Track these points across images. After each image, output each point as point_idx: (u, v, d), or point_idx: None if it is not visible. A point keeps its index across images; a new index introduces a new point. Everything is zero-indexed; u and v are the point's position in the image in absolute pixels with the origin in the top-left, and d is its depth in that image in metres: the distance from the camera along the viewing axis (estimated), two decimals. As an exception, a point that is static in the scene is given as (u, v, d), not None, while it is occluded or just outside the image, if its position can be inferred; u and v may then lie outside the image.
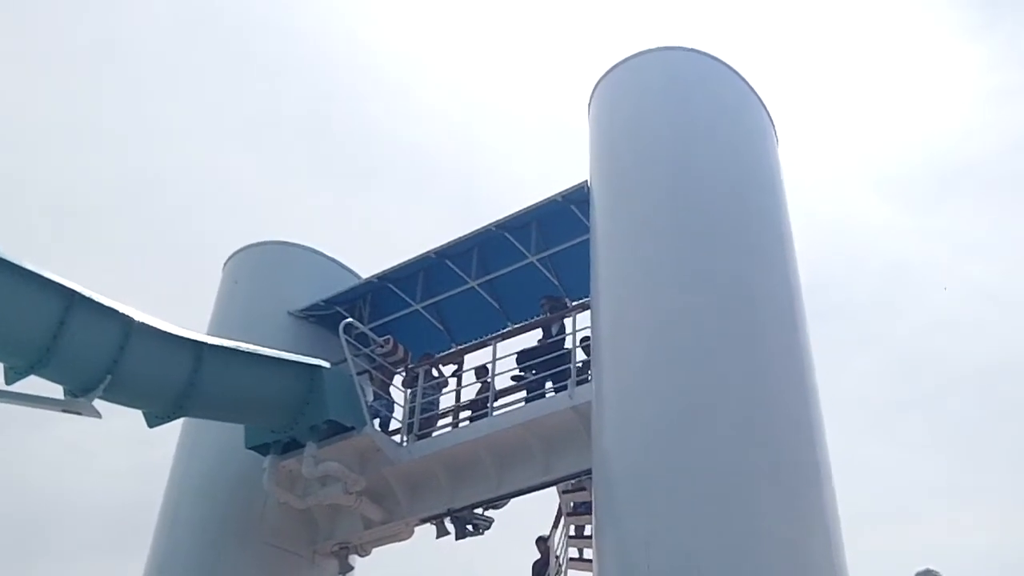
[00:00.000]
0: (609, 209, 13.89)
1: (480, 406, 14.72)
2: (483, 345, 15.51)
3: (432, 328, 16.98)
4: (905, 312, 43.61)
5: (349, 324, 15.07)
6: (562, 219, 15.05)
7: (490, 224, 15.47)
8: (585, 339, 13.67)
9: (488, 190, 45.45)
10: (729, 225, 13.03)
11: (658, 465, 11.01)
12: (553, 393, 14.04)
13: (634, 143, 14.21)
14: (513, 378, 14.86)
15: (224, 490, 14.90)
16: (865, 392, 40.38)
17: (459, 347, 16.56)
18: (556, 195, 14.92)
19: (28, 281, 11.59)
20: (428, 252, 16.05)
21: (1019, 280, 43.10)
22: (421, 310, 16.65)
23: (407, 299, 16.62)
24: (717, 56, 14.97)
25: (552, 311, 15.09)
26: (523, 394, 14.60)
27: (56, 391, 12.29)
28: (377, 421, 15.25)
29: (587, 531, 14.85)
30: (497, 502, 14.69)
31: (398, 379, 15.95)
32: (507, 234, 15.47)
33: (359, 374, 14.92)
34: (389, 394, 15.86)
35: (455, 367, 15.86)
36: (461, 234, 15.87)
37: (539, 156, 47.22)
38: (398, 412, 15.59)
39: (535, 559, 15.45)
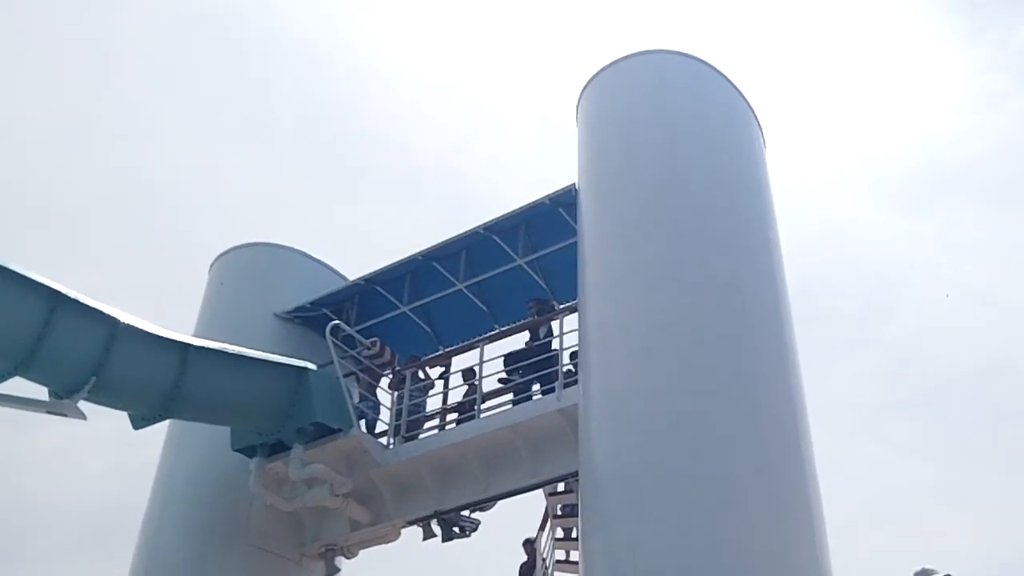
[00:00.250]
0: (597, 212, 13.89)
1: (467, 408, 14.71)
2: (470, 347, 15.50)
3: (419, 330, 16.95)
4: (896, 315, 43.79)
5: (336, 326, 15.04)
6: (550, 222, 15.05)
7: (478, 227, 15.46)
8: (574, 355, 13.67)
9: (476, 193, 45.44)
10: (716, 228, 13.05)
11: (645, 468, 11.01)
12: (540, 396, 14.03)
13: (622, 146, 14.22)
14: (500, 380, 14.87)
15: (210, 492, 14.84)
16: (857, 395, 40.52)
17: (446, 349, 16.56)
18: (544, 198, 14.92)
19: (12, 282, 11.54)
20: (415, 254, 16.03)
21: (1010, 284, 43.34)
22: (408, 312, 16.63)
23: (394, 301, 16.59)
24: (705, 60, 15.00)
25: (539, 314, 15.10)
26: (510, 397, 14.59)
27: (41, 393, 12.23)
28: (364, 423, 15.23)
29: (574, 534, 14.85)
30: (484, 504, 14.69)
31: (385, 381, 15.94)
32: (495, 236, 15.46)
33: (346, 376, 14.89)
34: (376, 396, 15.83)
35: (442, 369, 15.87)
36: (449, 236, 15.85)
37: (528, 159, 47.21)
38: (385, 414, 15.56)
39: (522, 561, 15.45)
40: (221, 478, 14.90)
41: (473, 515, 15.00)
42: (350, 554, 15.57)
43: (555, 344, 14.28)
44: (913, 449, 39.69)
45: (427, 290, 16.45)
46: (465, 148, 47.56)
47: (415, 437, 14.99)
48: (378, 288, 16.57)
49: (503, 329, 16.10)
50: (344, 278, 17.64)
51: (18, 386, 11.96)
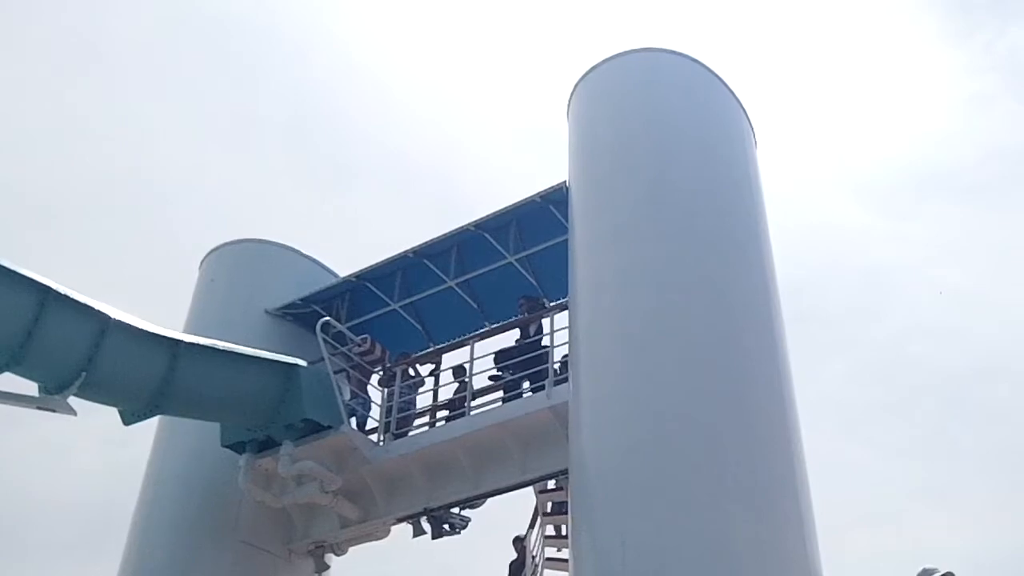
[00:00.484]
0: (587, 210, 13.91)
1: (457, 406, 14.72)
2: (461, 345, 15.51)
3: (410, 327, 16.96)
4: (882, 316, 43.94)
5: (326, 323, 15.03)
6: (541, 219, 15.06)
7: (468, 224, 15.46)
8: (565, 356, 13.70)
9: (465, 192, 45.48)
10: (707, 227, 13.08)
11: (634, 466, 11.04)
12: (530, 393, 14.05)
13: (612, 144, 14.24)
14: (491, 378, 14.86)
15: (199, 489, 14.83)
16: (842, 395, 40.68)
17: (437, 347, 16.55)
18: (535, 195, 14.93)
19: (2, 277, 11.51)
20: (406, 251, 16.03)
21: (996, 285, 43.50)
22: (399, 309, 16.64)
23: (385, 298, 16.60)
24: (696, 58, 15.02)
25: (530, 311, 15.10)
26: (500, 394, 14.60)
27: (31, 388, 12.22)
28: (354, 420, 15.20)
29: (564, 531, 14.87)
30: (474, 502, 14.68)
31: (375, 378, 15.92)
32: (485, 234, 15.47)
33: (336, 373, 14.86)
34: (366, 393, 15.81)
35: (433, 366, 15.87)
36: (439, 234, 15.85)
37: (518, 158, 47.28)
38: (375, 411, 15.55)
39: (512, 559, 15.47)
40: (210, 474, 14.89)
41: (463, 512, 14.99)
42: (340, 551, 15.57)
43: (545, 342, 14.30)
44: (899, 449, 39.91)
45: (418, 287, 16.45)
46: (455, 147, 47.63)
47: (405, 434, 14.99)
48: (369, 285, 16.58)
49: (494, 326, 16.11)
50: (335, 275, 17.63)
51: (8, 382, 11.95)
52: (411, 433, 15.05)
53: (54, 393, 12.10)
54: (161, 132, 41.15)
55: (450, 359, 15.69)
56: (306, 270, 17.61)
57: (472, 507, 14.95)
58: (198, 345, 13.50)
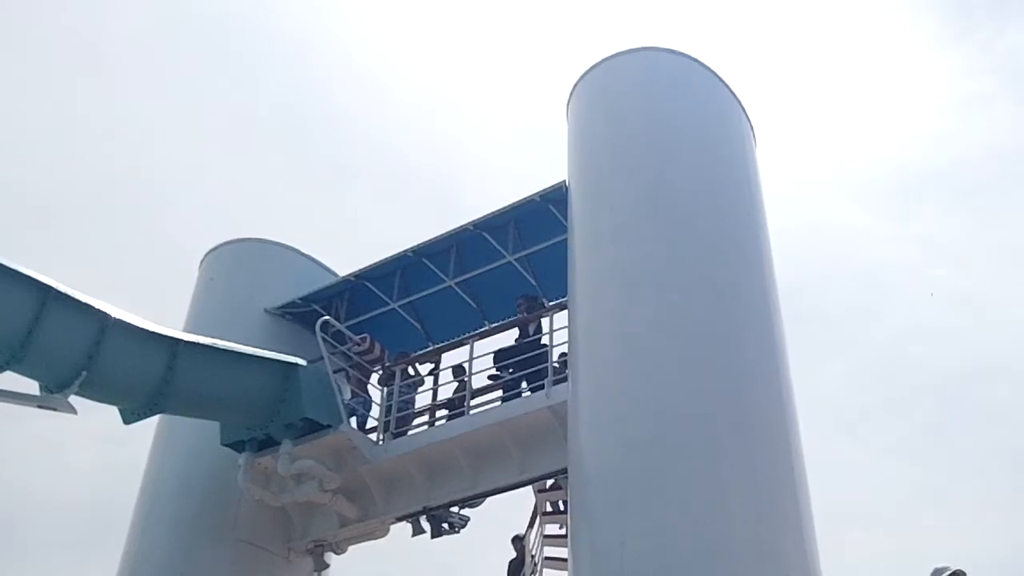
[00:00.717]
0: (587, 209, 13.92)
1: (457, 405, 14.74)
2: (460, 344, 15.52)
3: (409, 327, 16.97)
4: (879, 317, 43.93)
5: (326, 322, 15.05)
6: (540, 219, 15.07)
7: (468, 223, 15.47)
8: (564, 354, 13.73)
9: (465, 192, 45.49)
10: (706, 227, 13.09)
11: (633, 466, 11.05)
12: (529, 393, 14.07)
13: (612, 144, 14.24)
14: (490, 377, 14.88)
15: (199, 487, 14.85)
16: (841, 395, 40.68)
17: (436, 346, 16.55)
18: (534, 195, 14.93)
19: (3, 276, 11.54)
20: (406, 251, 16.04)
21: (994, 286, 43.53)
22: (398, 308, 16.65)
23: (384, 297, 16.60)
24: (696, 58, 15.02)
25: (529, 311, 15.12)
26: (500, 393, 14.62)
27: (32, 387, 12.24)
28: (353, 419, 15.20)
29: (563, 530, 14.88)
30: (473, 501, 14.70)
31: (375, 377, 15.94)
32: (485, 233, 15.48)
33: (335, 372, 14.89)
34: (366, 392, 15.83)
35: (432, 366, 15.86)
36: (438, 233, 15.86)
37: (517, 158, 47.24)
38: (374, 410, 15.57)
39: (511, 558, 15.49)
40: (210, 473, 14.91)
41: (462, 511, 15.01)
42: (339, 550, 15.59)
43: (545, 341, 14.32)
44: (899, 449, 39.90)
45: (417, 286, 16.45)
46: (454, 147, 47.60)
47: (404, 433, 15.00)
48: (368, 284, 16.59)
49: (493, 326, 16.13)
50: (334, 274, 17.64)
51: (9, 381, 11.97)
52: (410, 432, 15.05)
53: (55, 392, 12.13)
54: (160, 132, 41.18)
55: (449, 358, 15.72)
56: (305, 269, 17.61)
57: (471, 506, 14.96)
58: (198, 344, 13.52)
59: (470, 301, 16.54)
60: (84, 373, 12.12)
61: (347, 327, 15.81)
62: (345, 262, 17.62)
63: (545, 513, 15.16)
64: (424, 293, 16.43)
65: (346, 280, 16.78)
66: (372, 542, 15.58)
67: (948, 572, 11.06)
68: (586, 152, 14.61)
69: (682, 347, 11.83)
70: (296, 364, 14.33)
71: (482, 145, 49.53)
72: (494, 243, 15.53)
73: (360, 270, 16.55)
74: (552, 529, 15.19)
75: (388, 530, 15.38)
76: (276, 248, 17.74)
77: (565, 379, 13.10)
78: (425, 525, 14.89)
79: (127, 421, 13.28)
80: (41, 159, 38.66)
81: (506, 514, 16.09)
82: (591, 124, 14.83)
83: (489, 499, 14.67)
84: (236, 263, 17.49)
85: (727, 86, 15.06)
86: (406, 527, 15.04)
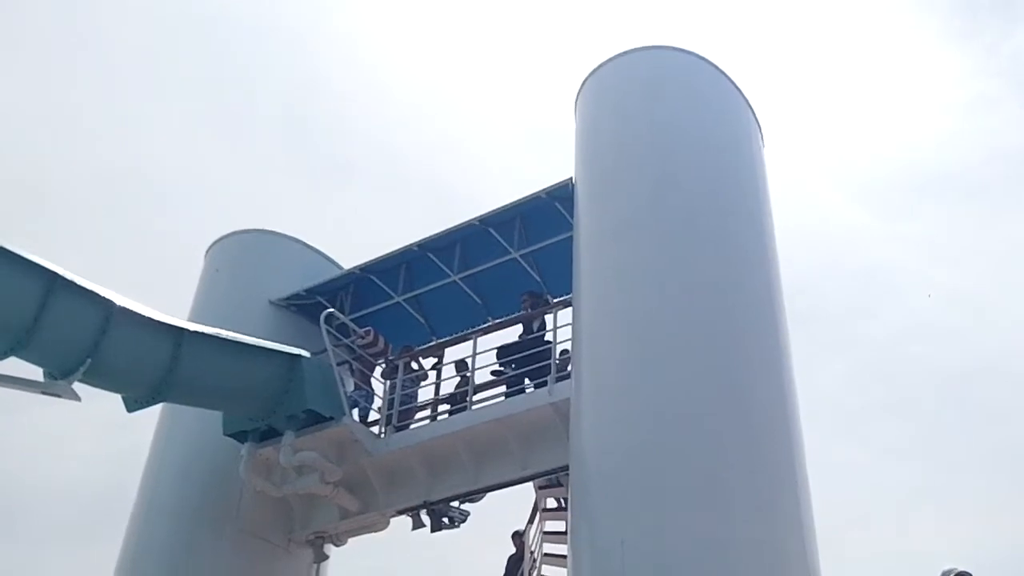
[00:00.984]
0: (593, 207, 13.92)
1: (459, 400, 14.76)
2: (464, 339, 15.55)
3: (413, 321, 16.99)
4: (880, 317, 43.92)
5: (330, 314, 15.06)
6: (546, 215, 15.08)
7: (474, 219, 15.49)
8: (564, 352, 13.74)
9: (464, 192, 45.43)
10: (712, 225, 13.09)
11: (635, 463, 11.06)
12: (532, 389, 14.08)
13: (619, 142, 14.25)
14: (493, 373, 14.90)
15: (200, 477, 14.86)
16: (841, 395, 40.66)
17: (439, 341, 16.60)
18: (540, 191, 14.94)
19: (9, 262, 11.54)
20: (411, 245, 16.06)
21: (994, 287, 43.49)
22: (402, 302, 16.66)
23: (389, 291, 16.62)
24: (704, 56, 15.00)
25: (533, 307, 15.13)
26: (502, 389, 14.64)
27: (36, 373, 12.26)
28: (356, 412, 15.25)
29: (563, 527, 14.90)
30: (474, 496, 14.73)
31: (378, 371, 15.97)
32: (490, 229, 15.50)
33: (339, 364, 14.88)
34: (369, 385, 15.86)
35: (435, 360, 15.91)
36: (442, 229, 15.89)
37: (519, 158, 47.20)
38: (377, 403, 15.61)
39: (510, 554, 15.51)
40: (211, 463, 14.93)
41: (463, 506, 15.04)
42: (339, 542, 15.62)
43: (548, 338, 14.34)
44: (898, 449, 39.86)
45: (421, 281, 16.47)
46: (456, 146, 47.57)
47: (406, 427, 15.03)
48: (373, 278, 16.61)
49: (497, 322, 16.13)
50: (339, 266, 17.66)
51: (13, 367, 12.00)
52: (412, 426, 15.09)
53: (59, 379, 12.12)
54: (161, 127, 41.10)
55: (453, 353, 15.76)
56: (311, 262, 17.63)
57: (472, 501, 15.00)
58: (202, 334, 13.52)
59: (474, 296, 16.55)
60: (88, 360, 12.11)
61: (351, 320, 15.84)
62: (345, 259, 17.66)
63: (546, 510, 15.18)
64: (429, 288, 16.44)
65: (351, 273, 16.80)
66: (372, 535, 15.60)
67: (955, 573, 11.08)
68: (593, 150, 14.61)
69: (686, 346, 11.83)
70: (300, 356, 14.34)
71: (483, 145, 49.52)
72: (499, 239, 15.54)
73: (365, 263, 16.56)
74: (552, 526, 15.21)
75: (388, 523, 15.40)
76: (282, 240, 17.75)
77: (568, 376, 13.12)
78: (425, 519, 14.92)
79: (130, 409, 13.30)
80: (42, 152, 38.71)
81: (506, 510, 16.13)
82: (598, 122, 14.83)
83: (490, 494, 14.69)
84: (242, 254, 17.50)
85: (735, 85, 15.04)
86: (406, 520, 15.07)
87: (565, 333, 13.67)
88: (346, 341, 15.47)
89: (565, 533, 13.97)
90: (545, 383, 13.57)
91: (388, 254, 16.31)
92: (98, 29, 39.83)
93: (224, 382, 13.84)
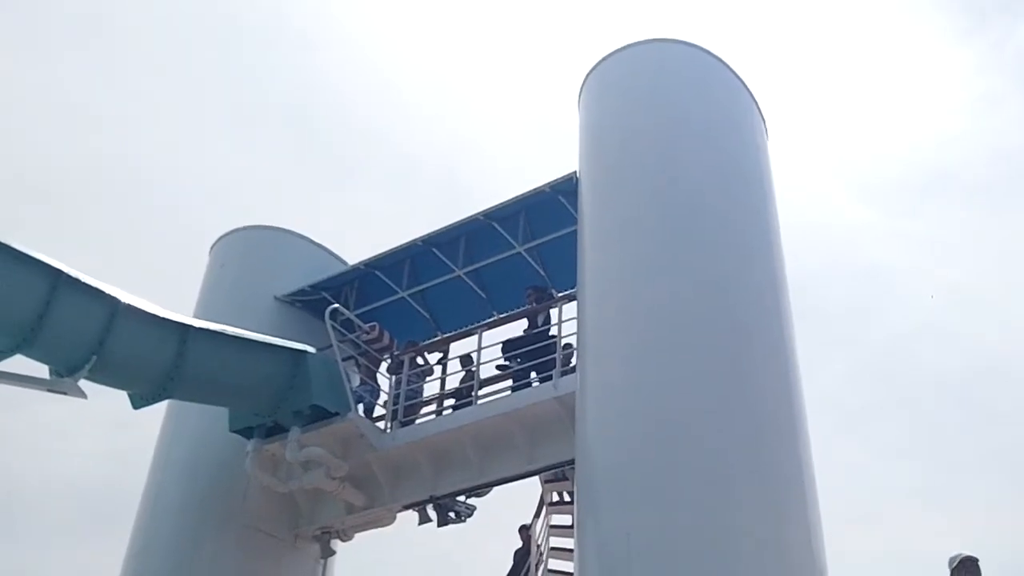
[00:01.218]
0: (597, 201, 13.90)
1: (464, 394, 14.76)
2: (469, 334, 15.54)
3: (418, 316, 16.99)
4: (882, 315, 43.82)
5: (335, 310, 15.05)
6: (550, 210, 15.06)
7: (478, 213, 15.47)
8: (567, 346, 13.74)
9: (469, 187, 45.44)
10: (716, 220, 13.06)
11: (640, 458, 11.06)
12: (537, 383, 14.08)
13: (623, 136, 14.21)
14: (498, 367, 14.91)
15: (207, 473, 14.90)
16: (841, 395, 40.57)
17: (445, 335, 16.60)
18: (544, 185, 14.90)
19: (14, 260, 11.57)
20: (415, 240, 16.04)
21: (995, 286, 43.37)
22: (407, 297, 16.66)
23: (393, 286, 16.62)
24: (708, 49, 14.96)
25: (538, 301, 15.13)
26: (508, 383, 14.65)
27: (42, 371, 12.28)
28: (361, 407, 15.27)
29: (570, 521, 14.91)
30: (479, 490, 14.75)
31: (383, 366, 15.97)
32: (495, 223, 15.48)
33: (344, 360, 14.91)
34: (374, 381, 15.87)
35: (440, 355, 15.91)
36: (447, 224, 15.87)
37: (522, 154, 47.18)
38: (382, 399, 15.63)
39: (517, 547, 15.52)
40: (218, 459, 14.96)
41: (469, 501, 15.06)
42: (345, 537, 15.65)
43: (553, 332, 14.34)
44: (898, 449, 39.81)
45: (426, 276, 16.47)
46: (461, 142, 47.54)
47: (412, 422, 15.04)
48: (377, 273, 16.60)
49: (501, 316, 16.14)
50: (344, 262, 17.67)
51: (19, 364, 12.02)
52: (418, 421, 15.10)
53: (65, 376, 12.15)
54: (169, 123, 41.19)
55: (458, 348, 15.76)
56: (316, 257, 17.64)
57: (478, 495, 15.03)
58: (208, 330, 13.54)
59: (479, 291, 16.55)
60: (94, 357, 12.14)
61: (356, 315, 15.82)
62: (350, 256, 17.65)
63: (552, 503, 15.18)
64: (433, 282, 16.44)
65: (356, 269, 16.80)
66: (378, 530, 15.63)
67: (960, 557, 11.11)
68: (597, 143, 14.58)
69: (690, 339, 11.82)
70: (305, 352, 14.36)
71: (490, 140, 49.49)
72: (504, 233, 15.52)
73: (370, 259, 16.56)
74: (559, 519, 15.22)
75: (395, 518, 15.43)
76: (287, 236, 17.76)
77: (573, 370, 13.12)
78: (432, 514, 14.95)
79: (136, 406, 13.32)
80: (47, 149, 38.76)
81: (513, 504, 16.14)
82: (602, 115, 14.80)
83: (496, 489, 14.71)
84: (247, 250, 17.52)
85: (740, 79, 15.01)
86: (412, 515, 15.10)
87: (570, 327, 13.67)
88: (351, 337, 15.46)
89: (572, 527, 13.96)
90: (550, 377, 13.56)
91: (392, 249, 16.30)
92: (104, 22, 39.91)
93: (230, 378, 13.86)
